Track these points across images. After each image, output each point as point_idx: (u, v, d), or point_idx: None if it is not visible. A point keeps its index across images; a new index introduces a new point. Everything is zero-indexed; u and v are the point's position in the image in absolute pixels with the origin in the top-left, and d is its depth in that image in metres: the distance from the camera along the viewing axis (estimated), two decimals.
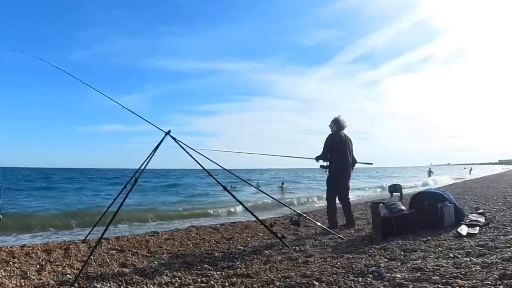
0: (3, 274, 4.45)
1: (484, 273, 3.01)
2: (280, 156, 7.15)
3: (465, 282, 2.82)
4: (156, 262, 4.91)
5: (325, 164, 6.88)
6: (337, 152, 6.77)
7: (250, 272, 4.02)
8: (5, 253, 5.82)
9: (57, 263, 5.05)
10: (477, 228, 4.99)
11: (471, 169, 53.94)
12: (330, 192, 6.93)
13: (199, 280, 3.87)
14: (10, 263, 5.12)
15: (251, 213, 5.41)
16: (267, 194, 6.73)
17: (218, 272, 4.15)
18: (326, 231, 6.34)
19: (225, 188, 5.54)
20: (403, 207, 5.53)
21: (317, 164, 6.94)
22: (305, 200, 17.58)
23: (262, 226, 5.87)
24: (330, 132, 6.93)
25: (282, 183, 28.63)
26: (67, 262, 5.10)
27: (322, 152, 6.82)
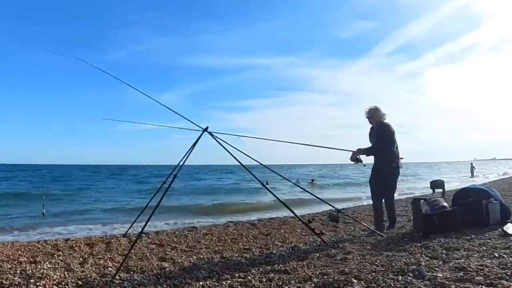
0: (48, 266, 4.70)
1: None
2: (314, 146, 6.30)
3: (511, 284, 2.76)
4: (195, 257, 5.02)
5: (358, 157, 5.84)
6: (395, 144, 5.87)
7: (287, 268, 4.06)
8: (50, 246, 6.13)
9: (99, 256, 5.27)
10: None
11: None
12: (378, 192, 6.04)
13: (236, 275, 3.93)
14: (55, 255, 5.39)
15: (289, 209, 5.42)
16: (306, 191, 6.68)
17: (255, 268, 4.21)
18: (364, 227, 6.29)
19: (263, 184, 5.57)
20: (445, 204, 5.42)
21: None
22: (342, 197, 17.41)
23: (300, 222, 5.88)
24: (383, 121, 5.95)
25: (313, 180, 28.57)
26: (109, 256, 5.31)
27: (384, 143, 5.75)
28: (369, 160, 5.89)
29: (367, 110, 6.04)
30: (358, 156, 5.82)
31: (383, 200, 6.12)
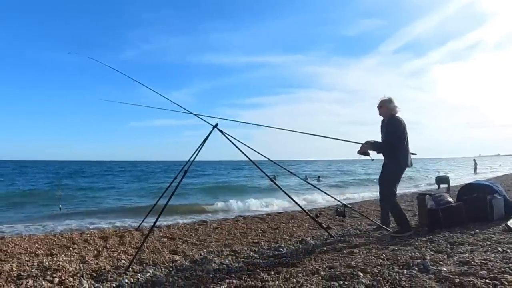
0: (64, 258, 4.76)
1: None
2: (320, 136, 6.08)
3: None
4: (205, 250, 5.06)
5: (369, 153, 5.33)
6: (406, 139, 5.35)
7: (295, 261, 4.08)
8: (65, 240, 6.20)
9: (113, 249, 5.33)
10: None
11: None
12: (393, 187, 5.36)
13: (245, 268, 3.97)
14: (70, 248, 5.46)
15: (297, 203, 5.43)
16: (314, 186, 6.68)
17: (264, 261, 4.24)
18: (371, 222, 6.28)
19: (271, 179, 5.59)
20: (450, 199, 5.39)
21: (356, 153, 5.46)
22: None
23: (308, 216, 5.88)
24: (394, 113, 5.39)
25: (319, 177, 28.54)
26: (122, 249, 5.36)
27: (393, 137, 5.24)
28: (379, 156, 5.60)
29: (379, 100, 5.56)
30: (365, 150, 5.30)
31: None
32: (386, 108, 5.39)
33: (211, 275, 3.71)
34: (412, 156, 5.50)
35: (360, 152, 5.29)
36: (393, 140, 5.24)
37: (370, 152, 5.28)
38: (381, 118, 5.55)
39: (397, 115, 5.37)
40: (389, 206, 5.48)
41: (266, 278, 3.45)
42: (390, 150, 5.31)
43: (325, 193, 6.29)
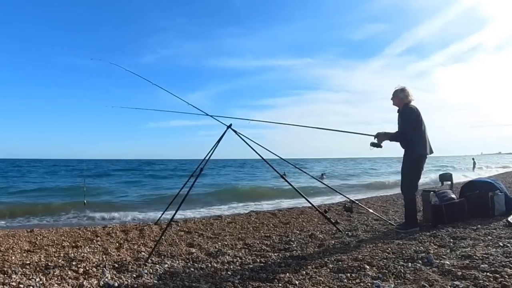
0: (88, 250, 4.85)
1: None
2: (329, 129, 5.86)
3: None
4: (220, 243, 5.09)
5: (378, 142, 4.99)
6: (421, 127, 4.94)
7: (305, 254, 4.11)
8: (89, 233, 6.30)
9: (133, 242, 5.40)
10: None
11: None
12: (415, 181, 5.04)
13: (258, 260, 4.00)
14: (94, 241, 5.55)
15: (307, 199, 5.42)
16: (325, 184, 6.65)
17: (275, 254, 4.26)
18: (377, 217, 6.26)
19: (282, 176, 5.62)
20: (453, 196, 5.36)
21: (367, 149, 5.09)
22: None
23: (317, 212, 5.89)
24: (407, 102, 5.00)
25: (323, 174, 28.35)
26: (142, 241, 5.44)
27: (405, 127, 4.91)
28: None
29: (393, 90, 5.17)
30: (376, 140, 4.98)
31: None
32: (399, 97, 5.05)
33: (225, 267, 3.75)
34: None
35: (372, 144, 5.00)
36: (405, 130, 4.91)
37: (383, 143, 4.96)
38: (396, 108, 5.14)
39: (411, 103, 5.00)
40: (405, 197, 5.15)
41: (277, 270, 3.48)
42: (404, 141, 4.97)
43: (334, 190, 6.27)
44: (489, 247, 3.57)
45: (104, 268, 3.80)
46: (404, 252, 3.73)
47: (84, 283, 3.29)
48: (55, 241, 5.55)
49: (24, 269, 3.83)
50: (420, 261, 3.33)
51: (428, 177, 18.44)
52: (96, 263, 4.07)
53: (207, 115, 5.91)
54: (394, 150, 5.04)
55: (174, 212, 4.80)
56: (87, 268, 3.82)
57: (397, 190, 12.42)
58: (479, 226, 4.60)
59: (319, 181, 7.27)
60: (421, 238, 4.32)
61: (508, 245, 3.54)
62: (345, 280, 3.03)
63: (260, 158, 5.52)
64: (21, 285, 3.27)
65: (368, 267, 3.31)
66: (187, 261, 4.12)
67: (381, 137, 4.94)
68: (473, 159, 42.13)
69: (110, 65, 6.73)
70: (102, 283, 3.31)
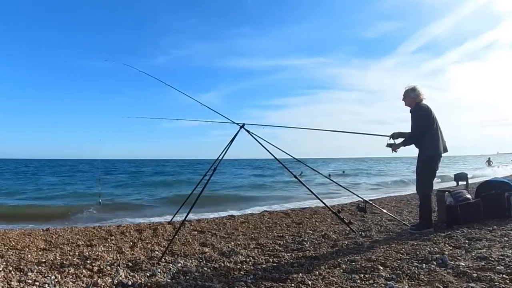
0: (102, 249, 4.92)
1: None
2: (344, 132, 5.80)
3: None
4: (233, 243, 5.11)
5: (394, 141, 5.05)
6: (433, 126, 4.83)
7: (318, 254, 4.09)
8: (104, 232, 6.38)
9: (147, 241, 5.45)
10: None
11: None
12: (429, 180, 4.96)
13: (270, 260, 3.99)
14: (108, 240, 5.63)
15: (320, 199, 5.39)
16: (336, 183, 6.61)
17: (288, 254, 4.25)
18: (391, 217, 6.20)
19: (295, 176, 5.59)
20: (468, 196, 5.27)
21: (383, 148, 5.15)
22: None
23: (330, 212, 5.86)
24: (418, 101, 4.92)
25: (329, 175, 28.23)
26: (155, 241, 5.48)
27: (416, 127, 4.85)
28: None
29: (403, 91, 5.11)
30: (391, 140, 5.02)
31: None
32: (410, 97, 4.98)
33: (238, 266, 3.76)
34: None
35: (391, 145, 5.04)
36: (416, 130, 4.86)
37: (398, 143, 4.97)
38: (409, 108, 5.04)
39: (422, 102, 4.92)
40: (420, 197, 5.06)
41: (290, 270, 3.47)
42: (417, 141, 4.90)
43: (347, 189, 6.23)
44: (506, 249, 3.50)
45: (118, 267, 3.84)
46: (418, 253, 3.69)
47: (99, 281, 3.33)
48: (70, 240, 5.64)
49: (39, 267, 3.89)
50: (434, 262, 3.29)
51: (442, 177, 18.24)
52: (110, 261, 4.12)
53: (220, 115, 5.90)
54: (409, 149, 4.98)
55: (187, 211, 4.82)
56: (101, 267, 3.87)
57: (412, 190, 12.33)
58: (495, 227, 4.51)
59: (331, 180, 7.22)
60: (435, 239, 4.26)
61: None
62: (358, 281, 3.01)
63: (273, 158, 5.51)
64: (37, 283, 3.33)
65: (381, 268, 3.28)
66: (200, 260, 4.13)
67: (396, 136, 5.00)
68: (489, 158, 41.62)
69: (123, 66, 6.78)
70: (116, 281, 3.34)
